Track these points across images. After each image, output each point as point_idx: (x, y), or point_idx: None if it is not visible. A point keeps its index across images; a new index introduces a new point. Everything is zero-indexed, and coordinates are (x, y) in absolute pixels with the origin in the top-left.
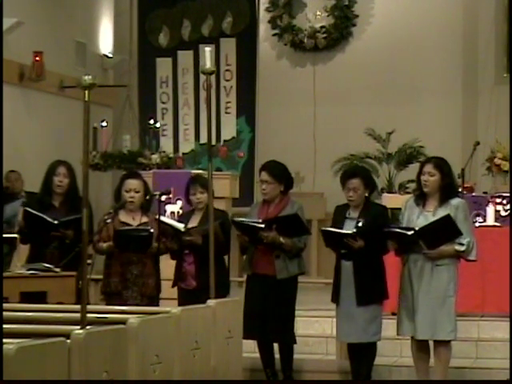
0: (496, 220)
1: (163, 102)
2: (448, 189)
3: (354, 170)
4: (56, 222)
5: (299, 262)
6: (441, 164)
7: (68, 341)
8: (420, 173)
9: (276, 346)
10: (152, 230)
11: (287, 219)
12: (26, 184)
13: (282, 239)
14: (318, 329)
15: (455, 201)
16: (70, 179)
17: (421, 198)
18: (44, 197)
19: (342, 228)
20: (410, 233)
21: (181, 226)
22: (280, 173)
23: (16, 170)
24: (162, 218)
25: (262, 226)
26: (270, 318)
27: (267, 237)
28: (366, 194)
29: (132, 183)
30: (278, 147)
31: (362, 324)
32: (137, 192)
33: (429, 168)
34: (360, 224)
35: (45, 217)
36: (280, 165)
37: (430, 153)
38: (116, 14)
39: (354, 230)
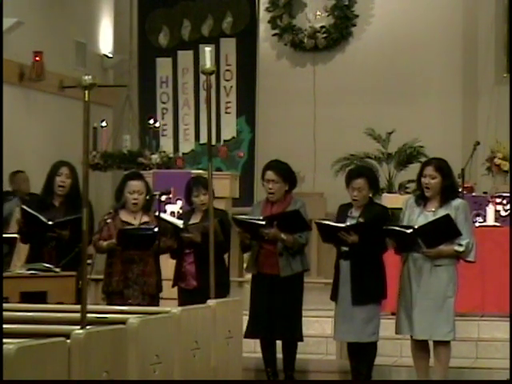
0: (496, 220)
1: (163, 102)
2: (449, 190)
3: (360, 170)
4: (50, 222)
5: (302, 260)
6: (442, 166)
7: (68, 341)
8: (421, 175)
9: (279, 345)
10: (156, 230)
11: (288, 215)
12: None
13: (283, 235)
14: (317, 329)
15: (456, 202)
16: (72, 180)
17: (422, 198)
18: (46, 197)
19: None
20: (409, 231)
21: (179, 222)
22: (285, 172)
23: (23, 171)
24: (162, 215)
25: (263, 222)
26: (277, 315)
27: (268, 233)
28: (370, 195)
29: (135, 185)
30: (278, 147)
31: (359, 324)
32: (140, 194)
33: (430, 171)
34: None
35: (40, 217)
36: (284, 164)
37: (430, 153)
38: (116, 14)
39: (348, 224)
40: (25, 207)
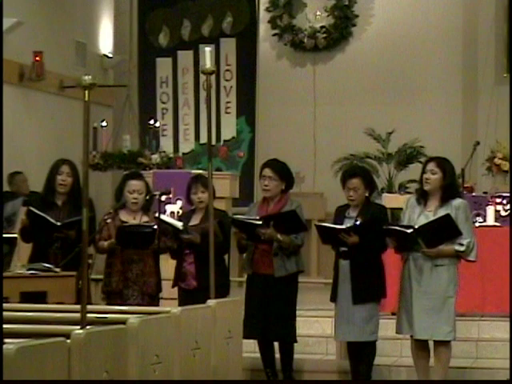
0: (496, 220)
1: (163, 102)
2: (449, 189)
3: (354, 170)
4: (59, 223)
5: (297, 260)
6: (443, 163)
7: (68, 341)
8: (423, 172)
9: (276, 345)
10: (155, 227)
11: (285, 216)
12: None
13: (279, 236)
14: (318, 329)
15: (456, 201)
16: (74, 178)
17: (422, 197)
18: (47, 196)
19: None
20: (409, 231)
21: (179, 224)
22: (283, 170)
23: (21, 172)
24: (161, 217)
25: (260, 222)
26: (271, 316)
27: (264, 234)
28: (366, 194)
29: (135, 184)
30: (278, 147)
31: (359, 323)
32: (140, 194)
33: (431, 166)
34: (358, 222)
35: (48, 218)
36: (282, 163)
37: (430, 153)
38: (116, 13)
39: (348, 225)
40: (32, 209)
